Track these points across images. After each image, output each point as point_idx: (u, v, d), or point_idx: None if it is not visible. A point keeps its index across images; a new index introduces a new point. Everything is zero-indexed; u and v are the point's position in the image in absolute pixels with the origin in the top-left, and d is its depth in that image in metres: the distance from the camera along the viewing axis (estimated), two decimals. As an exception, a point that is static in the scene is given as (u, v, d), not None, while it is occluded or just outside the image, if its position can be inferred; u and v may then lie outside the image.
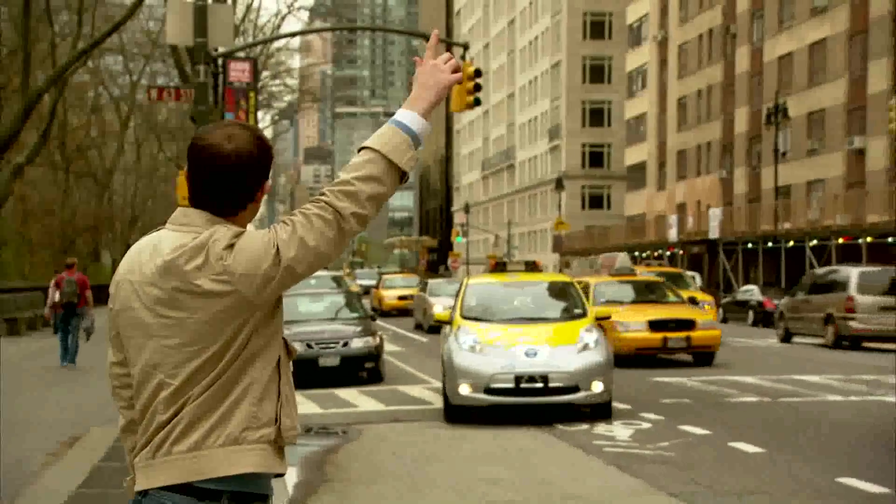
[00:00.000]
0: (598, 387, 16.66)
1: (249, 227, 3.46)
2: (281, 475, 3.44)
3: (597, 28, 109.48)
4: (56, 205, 64.72)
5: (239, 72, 26.13)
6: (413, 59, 3.83)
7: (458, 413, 17.34)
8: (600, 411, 17.14)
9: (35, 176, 60.71)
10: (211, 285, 3.22)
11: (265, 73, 59.36)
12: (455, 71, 3.68)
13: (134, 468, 3.36)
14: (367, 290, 67.30)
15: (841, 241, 52.11)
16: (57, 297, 27.89)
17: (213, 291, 3.22)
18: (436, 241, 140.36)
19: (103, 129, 73.09)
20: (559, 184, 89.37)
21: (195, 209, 3.39)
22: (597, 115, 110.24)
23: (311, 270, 3.36)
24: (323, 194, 3.36)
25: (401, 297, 56.27)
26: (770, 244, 60.18)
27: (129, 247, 3.64)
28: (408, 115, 3.50)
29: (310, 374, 20.79)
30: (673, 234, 72.65)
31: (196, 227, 3.33)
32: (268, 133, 75.32)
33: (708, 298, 35.26)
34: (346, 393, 20.05)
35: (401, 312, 54.39)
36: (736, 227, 66.37)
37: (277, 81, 71.36)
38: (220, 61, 25.17)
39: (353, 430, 15.45)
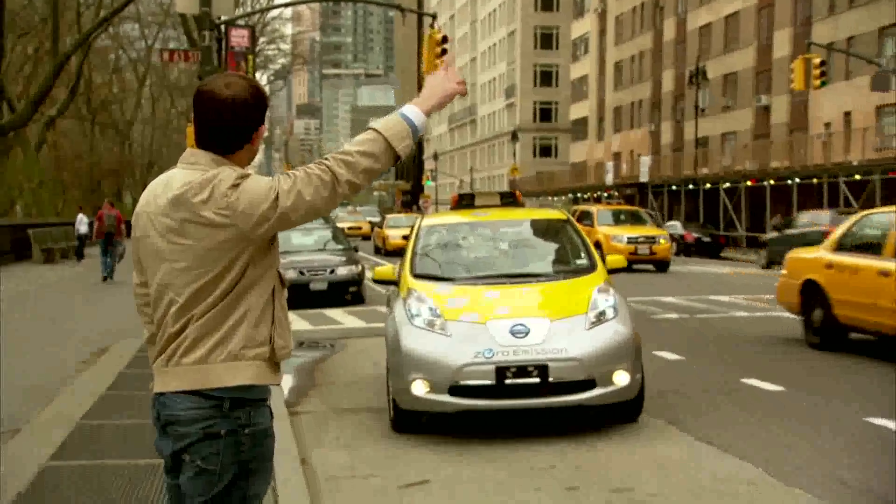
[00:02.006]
0: (622, 378, 8.89)
1: (252, 171, 3.44)
2: (276, 385, 3.47)
3: (546, 1, 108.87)
4: (84, 152, 64.27)
5: (239, 37, 25.87)
6: (438, 61, 3.75)
7: (410, 421, 9.24)
8: (625, 411, 9.39)
9: (65, 127, 60.35)
10: (214, 217, 3.23)
11: (262, 39, 59.12)
12: (461, 86, 3.64)
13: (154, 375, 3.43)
14: (374, 226, 58.34)
15: (749, 183, 52.26)
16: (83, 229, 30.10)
17: (215, 223, 3.23)
18: (409, 185, 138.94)
19: (123, 86, 72.59)
20: (514, 136, 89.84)
21: (201, 150, 3.39)
22: (546, 77, 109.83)
23: (302, 220, 3.37)
24: (326, 159, 3.38)
25: (405, 237, 47.50)
26: (690, 186, 60.34)
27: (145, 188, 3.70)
28: (413, 111, 3.49)
29: (302, 297, 20.68)
30: (609, 179, 72.73)
31: (202, 165, 3.35)
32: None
33: (662, 232, 35.41)
34: (333, 312, 19.95)
35: (403, 252, 47.98)
36: (662, 172, 66.48)
37: (272, 46, 71.05)
38: (222, 28, 24.95)
39: (338, 344, 15.42)
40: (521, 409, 9.04)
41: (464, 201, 12.03)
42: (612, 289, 9.73)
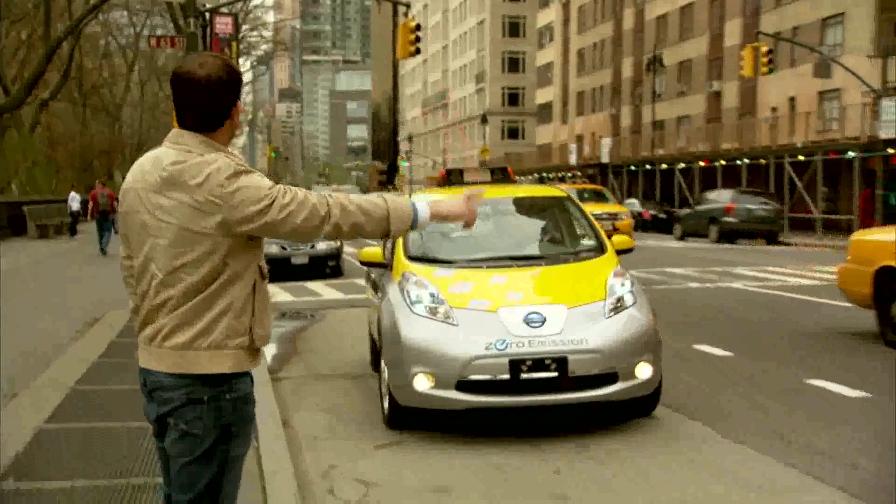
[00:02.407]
0: (644, 371, 7.78)
1: (236, 151, 3.38)
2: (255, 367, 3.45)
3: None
4: (76, 133, 63.70)
5: (223, 24, 25.66)
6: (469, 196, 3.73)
7: (407, 418, 8.03)
8: (642, 406, 8.23)
9: (58, 109, 59.83)
10: (205, 202, 3.19)
11: (245, 27, 58.60)
12: (472, 216, 3.68)
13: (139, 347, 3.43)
14: None
15: (702, 164, 52.45)
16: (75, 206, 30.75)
17: (204, 208, 3.19)
18: (385, 165, 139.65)
19: (113, 71, 71.89)
20: (484, 119, 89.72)
21: (188, 131, 3.32)
22: (513, 64, 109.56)
23: (283, 237, 3.35)
24: (330, 196, 3.36)
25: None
26: (648, 167, 60.56)
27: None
28: (424, 208, 3.50)
29: (284, 270, 20.70)
30: (573, 159, 72.94)
31: (189, 145, 3.29)
32: (247, 77, 74.08)
33: (624, 210, 35.99)
34: (313, 285, 19.89)
35: None
36: (622, 153, 66.60)
37: (255, 33, 70.43)
38: (207, 16, 24.77)
39: (318, 314, 15.42)
40: (536, 407, 7.71)
41: (452, 177, 10.33)
42: (626, 273, 8.48)
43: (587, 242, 9.13)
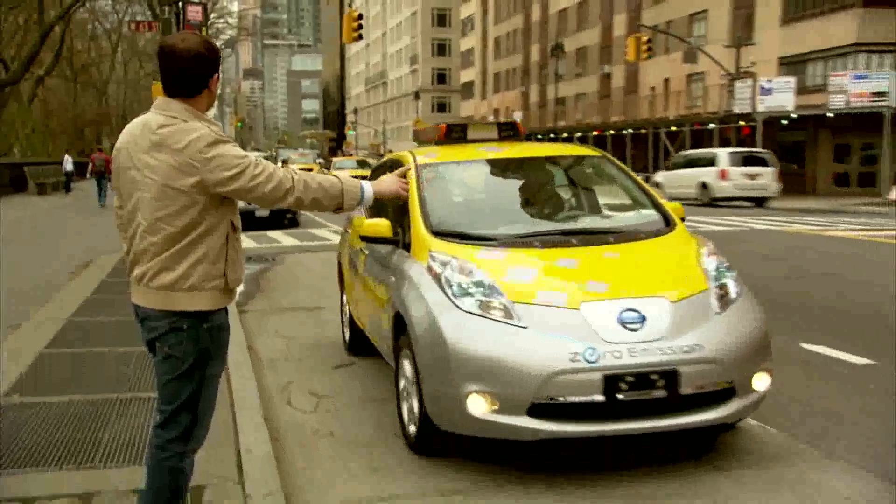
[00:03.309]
0: (763, 382, 4.95)
1: (233, 147, 3.27)
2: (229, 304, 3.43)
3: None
4: (68, 105, 62.25)
5: (194, 12, 25.14)
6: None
7: (449, 443, 5.00)
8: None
9: (52, 84, 58.20)
10: (185, 164, 3.14)
11: (213, 14, 57.35)
12: (405, 190, 4.00)
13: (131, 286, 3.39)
14: (321, 167, 50.03)
15: (595, 133, 52.77)
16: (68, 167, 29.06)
17: (185, 169, 3.14)
18: (334, 134, 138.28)
19: (99, 52, 69.99)
20: (417, 95, 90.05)
21: (173, 99, 3.26)
22: (441, 49, 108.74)
23: (250, 200, 3.31)
24: (296, 172, 3.40)
25: (353, 178, 42.48)
26: (551, 135, 60.70)
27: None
28: (369, 188, 3.69)
29: (249, 222, 20.21)
30: (489, 129, 73.16)
31: (174, 112, 3.23)
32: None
33: None
34: (273, 234, 19.72)
35: None
36: (531, 124, 66.72)
37: (222, 20, 68.83)
38: (180, 4, 24.26)
39: (278, 258, 15.28)
40: (636, 434, 4.69)
41: (454, 133, 6.95)
42: (719, 252, 5.55)
43: (647, 212, 5.99)
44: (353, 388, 6.53)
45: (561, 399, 4.47)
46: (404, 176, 4.10)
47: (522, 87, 77.37)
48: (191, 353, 3.26)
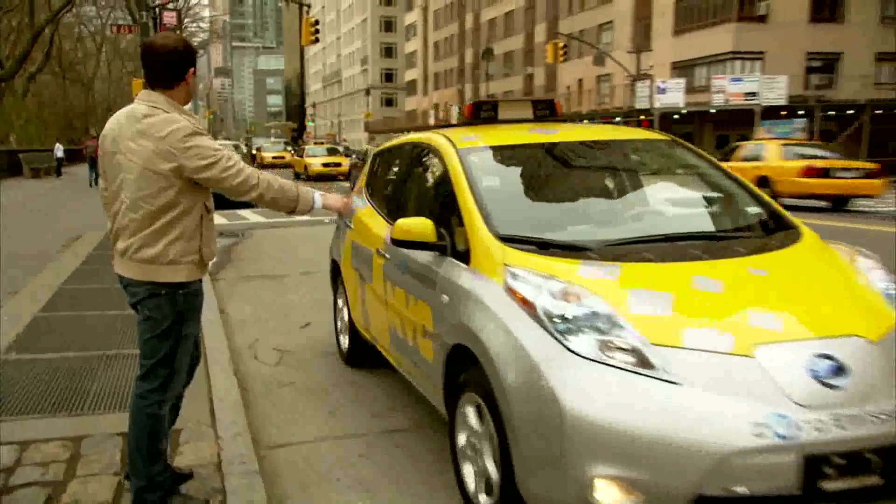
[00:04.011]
0: None
1: (209, 140, 3.22)
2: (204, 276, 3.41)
3: None
4: (58, 99, 60.30)
5: (169, 17, 24.67)
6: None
7: None
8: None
9: (44, 80, 56.22)
10: (165, 151, 3.10)
11: (187, 19, 55.97)
12: (347, 210, 4.00)
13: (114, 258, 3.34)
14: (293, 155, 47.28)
15: (519, 125, 53.03)
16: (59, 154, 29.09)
17: (164, 155, 3.10)
18: (295, 125, 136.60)
19: (85, 52, 67.78)
20: (367, 92, 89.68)
21: (154, 91, 3.21)
22: (388, 51, 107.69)
23: (218, 189, 3.26)
24: (263, 173, 3.36)
25: (325, 164, 34.52)
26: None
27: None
28: (319, 199, 3.58)
29: (220, 201, 19.89)
30: (431, 121, 72.64)
31: (156, 102, 3.19)
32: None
33: None
34: (242, 212, 19.30)
35: (323, 178, 33.33)
36: (469, 116, 66.80)
37: (194, 24, 67.09)
38: (156, 10, 23.65)
39: (247, 233, 15.00)
40: None
41: (482, 113, 4.83)
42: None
43: (753, 210, 3.97)
44: (313, 345, 6.50)
45: (739, 491, 2.54)
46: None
47: (458, 85, 77.24)
48: (168, 316, 3.23)
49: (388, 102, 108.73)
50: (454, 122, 63.92)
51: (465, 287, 3.37)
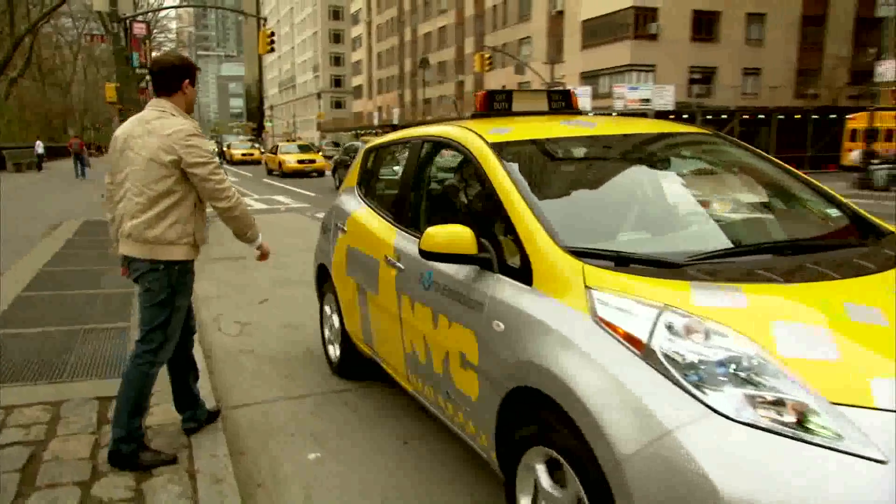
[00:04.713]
0: None
1: (207, 143, 3.32)
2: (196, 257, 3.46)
3: (335, 13, 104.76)
4: (38, 102, 57.60)
5: (139, 28, 23.64)
6: None
7: None
8: None
9: (25, 84, 53.71)
10: (169, 146, 3.18)
11: (155, 30, 54.00)
12: (266, 257, 3.83)
13: (119, 241, 3.36)
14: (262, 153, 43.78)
15: (451, 125, 53.09)
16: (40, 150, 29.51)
17: (168, 149, 3.18)
18: (255, 125, 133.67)
19: (62, 59, 64.74)
20: (319, 96, 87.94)
21: (159, 98, 3.33)
22: (337, 60, 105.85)
23: (200, 186, 3.25)
24: (240, 197, 3.41)
25: (300, 161, 29.45)
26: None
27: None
28: (260, 237, 3.61)
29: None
30: (376, 121, 72.25)
31: (163, 107, 3.30)
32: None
33: None
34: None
35: (298, 174, 28.89)
36: (406, 118, 66.27)
37: (162, 35, 64.83)
38: (127, 22, 22.73)
39: (210, 219, 14.63)
40: None
41: (496, 104, 3.58)
42: None
43: (834, 213, 2.84)
44: (271, 318, 6.41)
45: None
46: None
47: (399, 90, 76.64)
48: (164, 288, 3.28)
49: (338, 105, 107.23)
50: (396, 123, 63.79)
51: (531, 314, 2.25)
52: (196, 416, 3.68)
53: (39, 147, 35.89)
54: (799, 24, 42.22)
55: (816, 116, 35.23)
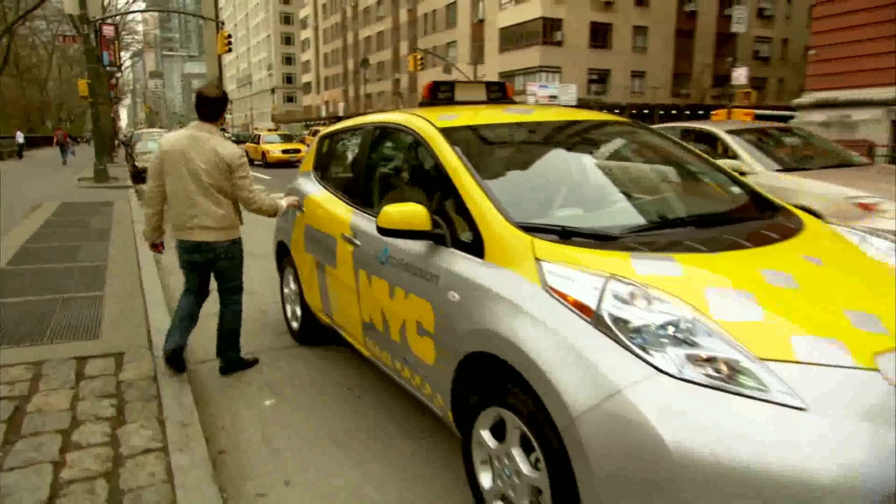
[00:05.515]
0: None
1: (244, 159, 3.54)
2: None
3: (286, 19, 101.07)
4: (18, 97, 54.18)
5: (108, 30, 22.18)
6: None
7: None
8: None
9: (5, 80, 50.20)
10: (221, 160, 3.44)
11: (123, 32, 50.96)
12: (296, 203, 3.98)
13: (156, 231, 3.77)
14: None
15: (390, 118, 52.52)
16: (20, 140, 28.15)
17: (220, 164, 3.44)
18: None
19: (39, 58, 60.50)
20: (273, 91, 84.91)
21: (203, 122, 3.54)
22: (289, 60, 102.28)
23: (235, 190, 3.52)
24: (258, 192, 3.61)
25: (284, 151, 24.13)
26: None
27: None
28: (283, 204, 3.79)
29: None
30: (323, 114, 70.60)
31: (208, 130, 3.54)
32: (127, 63, 64.92)
33: None
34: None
35: (282, 164, 23.70)
36: (351, 111, 65.05)
37: (130, 36, 61.27)
38: (97, 24, 21.40)
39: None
40: None
41: (440, 94, 3.33)
42: None
43: (737, 191, 2.77)
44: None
45: None
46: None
47: (343, 86, 74.98)
48: (239, 254, 3.70)
49: (290, 99, 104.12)
50: (341, 115, 62.55)
51: (485, 284, 2.11)
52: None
53: (20, 137, 33.96)
54: (674, 37, 43.69)
55: (688, 112, 36.58)
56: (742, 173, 5.79)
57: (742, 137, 6.48)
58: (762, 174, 5.90)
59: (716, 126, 6.82)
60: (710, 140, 6.74)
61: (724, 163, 5.58)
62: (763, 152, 6.23)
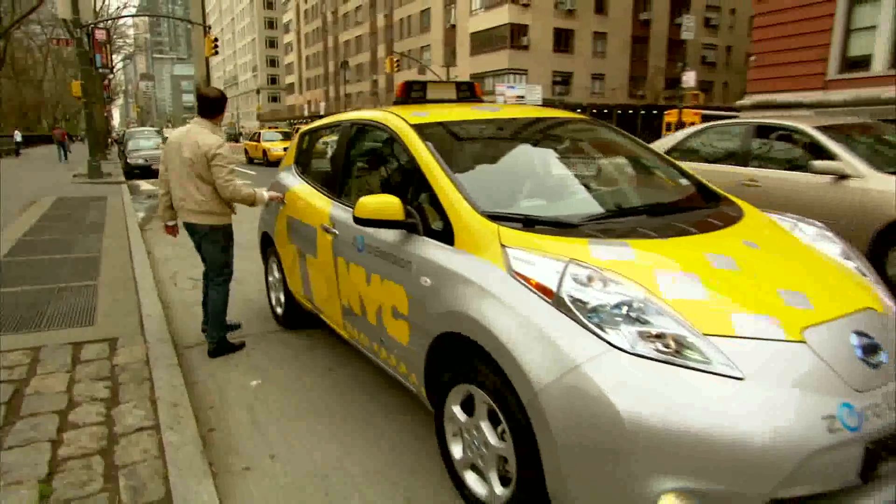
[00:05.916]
0: None
1: (230, 152, 3.53)
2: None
3: (270, 24, 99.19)
4: (14, 97, 52.34)
5: (100, 34, 21.53)
6: None
7: None
8: None
9: (2, 81, 48.52)
10: (203, 152, 3.47)
11: (115, 35, 49.48)
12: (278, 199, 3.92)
13: (167, 211, 3.81)
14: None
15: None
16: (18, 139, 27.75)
17: (203, 154, 3.47)
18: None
19: (34, 59, 58.55)
20: (258, 92, 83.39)
21: (203, 118, 3.61)
22: (273, 62, 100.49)
23: (213, 178, 3.52)
24: (234, 181, 3.56)
25: (285, 149, 9.97)
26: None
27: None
28: (264, 195, 3.72)
29: (148, 173, 18.23)
30: (306, 113, 69.51)
31: (203, 125, 3.60)
32: (119, 65, 63.10)
33: None
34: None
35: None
36: (331, 110, 64.30)
37: (121, 40, 59.49)
38: (89, 28, 20.74)
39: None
40: None
41: (414, 91, 3.39)
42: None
43: (684, 182, 2.80)
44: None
45: (812, 490, 1.60)
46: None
47: (324, 87, 74.00)
48: (221, 240, 3.71)
49: (274, 99, 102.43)
50: (323, 114, 61.75)
51: (455, 271, 2.11)
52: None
53: (17, 136, 33.00)
54: (630, 43, 44.14)
55: (644, 112, 37.02)
56: (842, 177, 4.58)
57: (833, 135, 4.92)
58: (871, 177, 4.46)
59: (802, 123, 5.12)
60: (789, 139, 5.14)
61: (818, 165, 4.60)
62: (860, 153, 4.76)
